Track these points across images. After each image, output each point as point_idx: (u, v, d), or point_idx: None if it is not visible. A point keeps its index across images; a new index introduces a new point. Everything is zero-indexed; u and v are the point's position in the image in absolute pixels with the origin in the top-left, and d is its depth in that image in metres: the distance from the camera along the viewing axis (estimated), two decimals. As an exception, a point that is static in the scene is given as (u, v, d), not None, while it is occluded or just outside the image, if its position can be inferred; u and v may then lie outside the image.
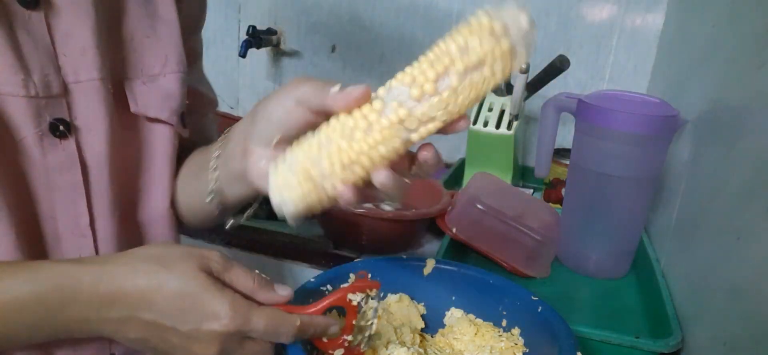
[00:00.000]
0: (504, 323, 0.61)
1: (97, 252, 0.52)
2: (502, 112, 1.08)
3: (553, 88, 1.03)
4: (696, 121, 0.82)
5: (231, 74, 1.54)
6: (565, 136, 1.19)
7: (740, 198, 0.62)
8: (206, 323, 0.42)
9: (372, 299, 0.51)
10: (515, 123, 1.07)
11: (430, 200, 0.93)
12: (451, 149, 1.39)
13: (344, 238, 0.93)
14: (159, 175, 0.57)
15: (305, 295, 0.55)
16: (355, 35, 1.40)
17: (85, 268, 0.42)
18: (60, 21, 0.46)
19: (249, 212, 0.56)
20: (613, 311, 0.81)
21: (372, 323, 0.51)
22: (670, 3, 1.16)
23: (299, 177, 0.41)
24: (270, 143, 0.44)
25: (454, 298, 0.64)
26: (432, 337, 0.62)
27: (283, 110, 0.44)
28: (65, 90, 0.47)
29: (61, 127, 0.47)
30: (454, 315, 0.63)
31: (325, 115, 0.42)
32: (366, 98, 0.40)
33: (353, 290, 0.49)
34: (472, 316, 0.63)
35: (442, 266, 0.64)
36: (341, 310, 0.51)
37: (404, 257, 0.66)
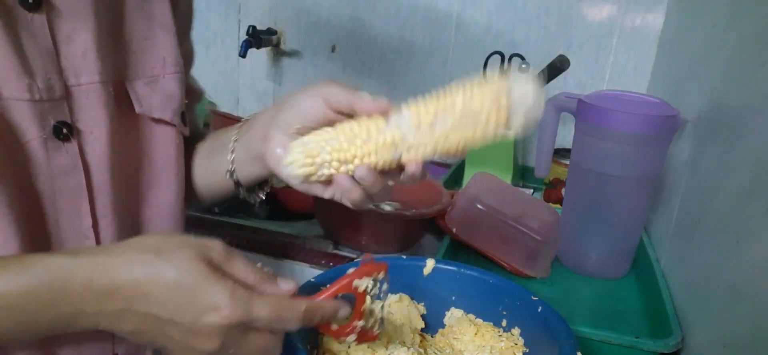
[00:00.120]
0: (504, 323, 0.61)
1: None
2: (502, 112, 1.08)
3: (553, 88, 1.03)
4: (696, 121, 0.82)
5: (231, 74, 1.54)
6: (565, 136, 1.19)
7: (740, 198, 0.62)
8: (206, 316, 0.40)
9: (380, 281, 0.49)
10: (515, 123, 1.07)
11: (430, 200, 0.93)
12: (451, 149, 1.39)
13: (344, 237, 0.93)
14: (163, 176, 0.57)
15: (306, 294, 0.55)
16: (355, 35, 1.40)
17: (78, 260, 0.41)
18: (62, 23, 0.46)
19: (266, 188, 0.62)
20: (613, 311, 0.81)
21: (383, 305, 0.50)
22: (670, 3, 1.16)
23: (305, 157, 0.47)
24: (288, 131, 0.49)
25: (454, 298, 0.64)
26: (432, 337, 0.62)
27: (310, 104, 0.48)
28: (67, 93, 0.47)
29: (64, 130, 0.47)
30: (454, 315, 0.63)
31: (343, 117, 0.48)
32: (385, 111, 0.46)
33: (359, 275, 0.48)
34: (472, 316, 0.63)
35: (442, 266, 0.64)
36: (349, 297, 0.50)
37: (404, 257, 0.66)
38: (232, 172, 0.57)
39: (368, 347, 0.53)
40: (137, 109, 0.53)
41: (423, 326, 0.62)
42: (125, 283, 0.40)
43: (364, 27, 1.38)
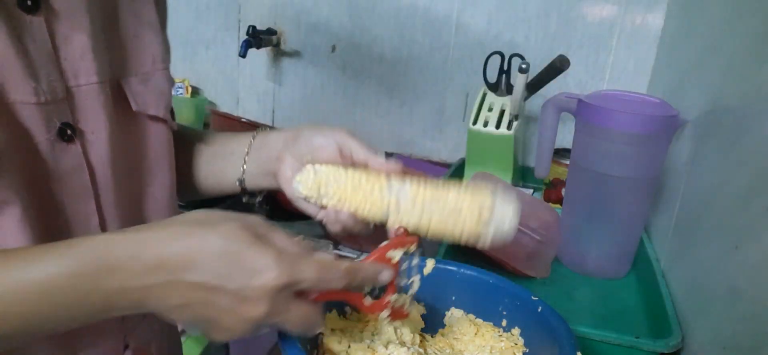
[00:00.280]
0: (504, 323, 0.61)
1: None
2: (502, 112, 1.08)
3: (553, 88, 1.03)
4: (696, 121, 0.82)
5: (231, 74, 1.54)
6: (565, 136, 1.19)
7: (740, 198, 0.62)
8: (254, 279, 0.40)
9: (411, 255, 0.50)
10: (515, 123, 1.07)
11: (430, 200, 0.92)
12: (452, 149, 1.39)
13: (344, 238, 0.92)
14: (158, 171, 0.58)
15: None
16: (355, 35, 1.40)
17: (123, 236, 0.41)
18: (59, 25, 0.46)
19: (259, 198, 0.67)
20: (613, 311, 0.81)
21: (413, 282, 0.51)
22: (670, 3, 1.16)
23: (314, 183, 0.54)
24: (301, 160, 0.56)
25: (454, 298, 0.64)
26: (432, 337, 0.62)
27: (325, 147, 0.55)
28: (68, 94, 0.47)
29: (68, 132, 0.47)
30: (454, 315, 0.63)
31: (352, 164, 0.55)
32: (395, 171, 0.53)
33: (393, 246, 0.48)
34: (472, 316, 0.63)
35: (442, 266, 0.64)
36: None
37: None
38: (242, 181, 0.62)
39: (368, 347, 0.53)
40: (133, 107, 0.54)
41: (423, 326, 0.62)
42: (172, 254, 0.40)
43: (364, 27, 1.38)
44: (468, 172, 1.14)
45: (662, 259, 0.87)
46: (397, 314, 0.50)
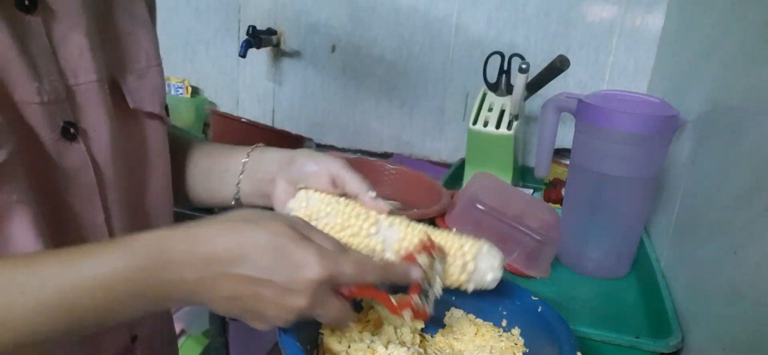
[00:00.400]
0: (504, 323, 0.61)
1: None
2: (502, 112, 1.08)
3: (553, 88, 1.03)
4: (696, 121, 0.82)
5: (231, 74, 1.54)
6: (565, 136, 1.19)
7: (740, 198, 0.62)
8: (299, 272, 0.43)
9: (435, 259, 0.52)
10: (515, 123, 1.07)
11: (430, 200, 0.92)
12: (452, 149, 1.39)
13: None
14: (156, 166, 0.59)
15: None
16: (355, 35, 1.40)
17: (175, 232, 0.44)
18: (56, 25, 0.47)
19: None
20: (613, 311, 0.81)
21: (434, 286, 0.52)
22: (670, 3, 1.16)
23: (305, 209, 0.56)
24: (294, 185, 0.58)
25: (454, 298, 0.64)
26: (432, 337, 0.62)
27: (317, 175, 0.57)
28: (68, 93, 0.48)
29: (71, 130, 0.48)
30: (454, 315, 0.63)
31: (343, 194, 0.57)
32: (383, 211, 0.55)
33: (420, 250, 0.51)
34: (472, 316, 0.63)
35: (442, 266, 0.64)
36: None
37: (404, 257, 0.66)
38: (237, 201, 0.64)
39: (368, 347, 0.53)
40: (131, 104, 0.54)
41: (423, 326, 0.62)
42: (224, 248, 0.43)
43: (364, 27, 1.38)
44: (468, 172, 1.14)
45: (662, 259, 0.87)
46: (418, 315, 0.51)
